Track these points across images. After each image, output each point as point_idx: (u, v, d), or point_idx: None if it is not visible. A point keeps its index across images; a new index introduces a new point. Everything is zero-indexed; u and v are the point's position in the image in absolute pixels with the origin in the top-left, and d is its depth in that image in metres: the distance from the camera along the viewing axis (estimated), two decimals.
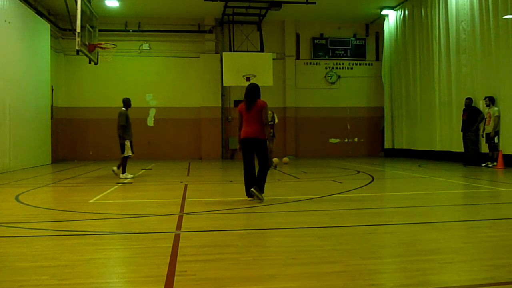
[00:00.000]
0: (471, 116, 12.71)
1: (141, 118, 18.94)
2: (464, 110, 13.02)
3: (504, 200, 6.61)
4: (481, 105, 12.70)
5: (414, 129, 16.80)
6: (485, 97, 12.31)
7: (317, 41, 19.94)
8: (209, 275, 3.08)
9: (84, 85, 18.58)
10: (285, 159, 15.25)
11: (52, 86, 17.08)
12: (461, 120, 13.12)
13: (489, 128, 12.10)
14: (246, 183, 6.62)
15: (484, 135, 12.31)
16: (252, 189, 6.38)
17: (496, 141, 12.02)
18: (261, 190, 6.46)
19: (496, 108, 12.01)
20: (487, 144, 12.26)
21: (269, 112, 14.50)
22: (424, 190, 8.15)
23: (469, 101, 12.90)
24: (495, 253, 3.58)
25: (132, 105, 19.05)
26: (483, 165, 12.23)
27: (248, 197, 6.57)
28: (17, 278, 3.07)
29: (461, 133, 13.06)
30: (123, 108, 11.10)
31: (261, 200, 6.39)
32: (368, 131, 20.38)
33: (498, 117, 11.92)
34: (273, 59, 17.89)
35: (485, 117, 12.34)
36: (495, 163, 11.85)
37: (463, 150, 13.10)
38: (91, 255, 3.68)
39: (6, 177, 10.87)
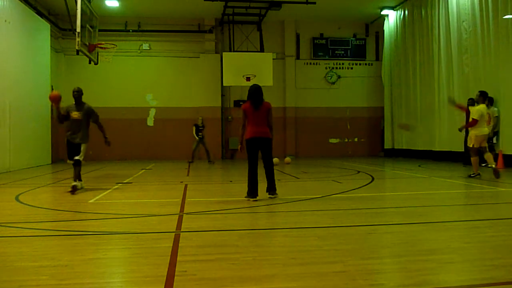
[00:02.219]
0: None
1: (141, 118, 18.94)
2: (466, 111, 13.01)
3: (504, 200, 6.62)
4: None
5: (414, 129, 16.80)
6: None
7: (317, 41, 19.94)
8: (209, 275, 3.08)
9: (84, 85, 18.14)
10: (287, 159, 15.26)
11: (52, 86, 17.07)
12: (465, 121, 13.13)
13: (489, 128, 12.09)
14: (254, 183, 6.61)
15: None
16: (271, 196, 6.69)
17: (494, 141, 11.99)
18: (275, 190, 6.77)
19: (495, 109, 11.98)
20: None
21: (199, 117, 15.47)
22: (424, 190, 8.15)
23: (471, 101, 12.89)
24: (495, 253, 3.58)
25: (132, 105, 19.19)
26: (483, 165, 12.19)
27: (254, 197, 6.58)
28: (17, 278, 3.07)
29: (465, 133, 13.09)
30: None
31: (277, 196, 6.75)
32: (368, 131, 20.38)
33: (498, 117, 11.90)
34: (273, 59, 17.88)
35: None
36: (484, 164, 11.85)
37: (463, 150, 13.06)
38: (91, 255, 3.68)
39: (6, 177, 10.87)
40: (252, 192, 6.59)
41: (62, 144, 18.17)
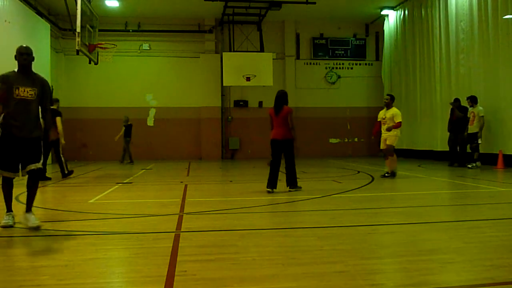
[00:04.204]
0: (461, 117, 12.50)
1: (141, 118, 18.94)
2: (453, 110, 12.85)
3: (504, 200, 6.61)
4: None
5: (414, 129, 16.79)
6: (467, 98, 12.16)
7: (317, 41, 19.93)
8: (209, 275, 3.08)
9: (84, 85, 18.57)
10: None
11: (52, 86, 17.06)
12: (448, 121, 13.00)
13: (472, 128, 11.84)
14: (270, 177, 7.40)
15: (466, 135, 12.09)
16: (289, 190, 7.41)
17: (480, 141, 11.76)
18: (294, 185, 7.46)
19: (481, 108, 11.78)
20: (470, 144, 12.03)
21: (124, 117, 16.03)
22: (424, 190, 8.15)
23: (458, 103, 12.80)
24: (495, 253, 3.58)
25: (132, 105, 19.17)
26: (469, 165, 11.96)
27: (268, 188, 7.33)
28: (17, 278, 3.07)
29: (449, 133, 12.98)
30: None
31: (299, 189, 7.45)
32: (368, 131, 20.32)
33: (483, 117, 11.68)
34: (273, 59, 17.87)
35: (469, 116, 12.08)
36: (478, 163, 11.70)
37: (460, 150, 12.90)
38: (91, 255, 3.68)
39: None
40: (269, 183, 7.35)
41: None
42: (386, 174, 9.89)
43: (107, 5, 16.78)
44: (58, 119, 9.74)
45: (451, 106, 12.94)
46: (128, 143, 16.03)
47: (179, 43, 19.01)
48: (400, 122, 9.59)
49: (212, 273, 3.12)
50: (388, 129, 9.60)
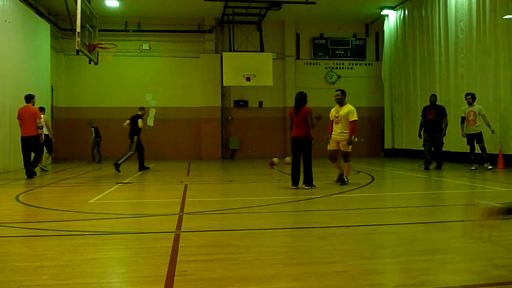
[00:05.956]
0: (439, 116, 12.03)
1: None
2: (430, 108, 12.31)
3: (504, 200, 6.58)
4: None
5: (414, 129, 16.75)
6: (468, 94, 11.65)
7: (317, 41, 19.93)
8: (209, 275, 3.08)
9: (84, 85, 18.57)
10: (287, 159, 15.26)
11: (52, 86, 17.07)
12: (424, 120, 12.37)
13: (475, 129, 11.23)
14: (293, 174, 7.97)
15: (466, 136, 11.49)
16: (305, 187, 7.74)
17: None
18: (310, 183, 7.82)
19: (481, 107, 11.32)
20: (470, 145, 11.41)
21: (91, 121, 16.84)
22: (424, 190, 8.15)
23: (434, 98, 12.26)
24: (495, 253, 3.58)
25: (132, 105, 19.11)
26: (489, 166, 11.23)
27: (294, 185, 7.88)
28: (17, 278, 3.07)
29: (425, 133, 12.32)
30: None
31: (314, 187, 7.80)
32: (368, 131, 20.36)
33: (485, 114, 11.20)
34: (273, 59, 17.88)
35: (463, 115, 11.52)
36: (477, 165, 11.26)
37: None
38: (91, 255, 3.68)
39: (6, 177, 10.86)
40: (293, 181, 7.92)
41: (62, 144, 18.21)
42: (338, 181, 8.61)
43: (107, 5, 16.78)
44: (139, 121, 12.49)
45: (431, 105, 12.31)
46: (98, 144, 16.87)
47: (179, 43, 19.01)
48: (356, 120, 8.32)
49: (212, 273, 3.12)
50: (342, 132, 8.43)
